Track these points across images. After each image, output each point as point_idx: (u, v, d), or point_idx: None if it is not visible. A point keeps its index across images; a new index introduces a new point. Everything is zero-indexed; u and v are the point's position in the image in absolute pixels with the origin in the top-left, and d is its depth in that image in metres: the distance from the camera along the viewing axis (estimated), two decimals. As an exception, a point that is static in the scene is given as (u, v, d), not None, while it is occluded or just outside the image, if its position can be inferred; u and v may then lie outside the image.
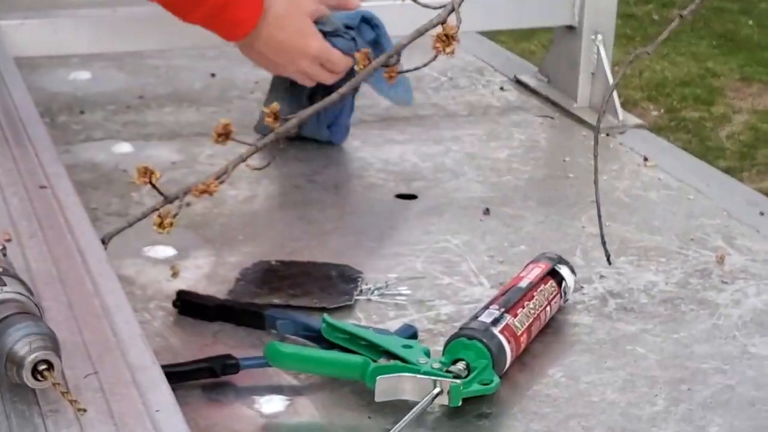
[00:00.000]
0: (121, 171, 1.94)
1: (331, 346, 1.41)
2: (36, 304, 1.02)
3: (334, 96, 1.46)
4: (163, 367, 1.35)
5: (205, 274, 1.62)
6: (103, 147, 2.04)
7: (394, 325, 1.48)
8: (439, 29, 1.34)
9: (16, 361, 0.96)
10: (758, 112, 6.04)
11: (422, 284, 1.60)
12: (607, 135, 2.09)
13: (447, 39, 1.31)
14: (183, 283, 1.59)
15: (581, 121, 2.13)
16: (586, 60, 2.16)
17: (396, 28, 1.79)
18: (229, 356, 1.38)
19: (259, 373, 1.37)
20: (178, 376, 1.37)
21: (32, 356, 0.95)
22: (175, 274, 1.61)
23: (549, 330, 1.48)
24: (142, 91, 2.27)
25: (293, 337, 1.45)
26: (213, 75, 2.34)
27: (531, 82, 2.30)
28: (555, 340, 1.47)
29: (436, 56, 1.35)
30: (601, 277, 1.62)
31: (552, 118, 2.19)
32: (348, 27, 1.85)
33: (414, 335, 1.45)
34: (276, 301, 1.54)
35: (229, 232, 1.73)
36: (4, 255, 1.08)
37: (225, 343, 1.45)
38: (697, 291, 1.59)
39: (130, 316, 1.11)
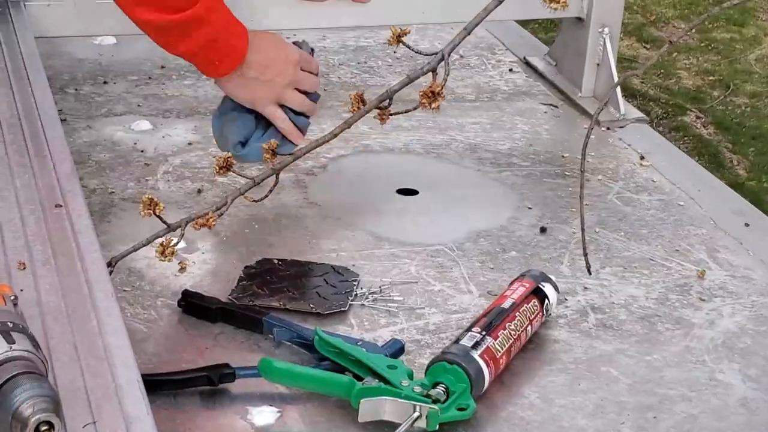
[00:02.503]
0: (139, 152, 2.03)
1: (323, 356, 1.52)
2: (42, 360, 1.12)
3: (327, 136, 1.54)
4: (165, 374, 1.49)
5: (211, 269, 1.72)
6: (123, 122, 2.13)
7: (384, 333, 1.58)
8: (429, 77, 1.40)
9: (21, 420, 1.06)
10: (790, 36, 6.02)
11: (414, 290, 1.69)
12: (608, 129, 2.16)
13: (433, 95, 1.37)
14: (189, 279, 1.69)
15: (584, 112, 2.20)
16: (592, 51, 2.22)
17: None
18: (226, 365, 1.49)
19: (254, 383, 1.48)
20: (178, 383, 1.48)
21: (35, 417, 1.06)
22: (182, 269, 1.71)
23: (530, 345, 1.57)
24: (164, 60, 2.35)
25: (288, 344, 1.56)
26: (232, 44, 2.40)
27: (540, 65, 2.35)
28: (534, 357, 1.56)
29: (417, 107, 1.41)
30: (585, 288, 1.71)
31: (556, 107, 2.25)
32: None
33: (401, 350, 1.54)
34: (275, 303, 1.64)
35: (235, 224, 1.82)
36: (15, 305, 1.18)
37: (224, 347, 1.55)
38: (674, 308, 1.68)
39: (130, 359, 1.20)
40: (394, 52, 2.47)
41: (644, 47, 5.98)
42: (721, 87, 5.65)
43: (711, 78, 5.72)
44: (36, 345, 1.14)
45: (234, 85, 1.79)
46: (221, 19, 1.73)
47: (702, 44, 6.10)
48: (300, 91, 1.82)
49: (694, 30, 6.10)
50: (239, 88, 1.79)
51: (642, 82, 5.56)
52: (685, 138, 5.18)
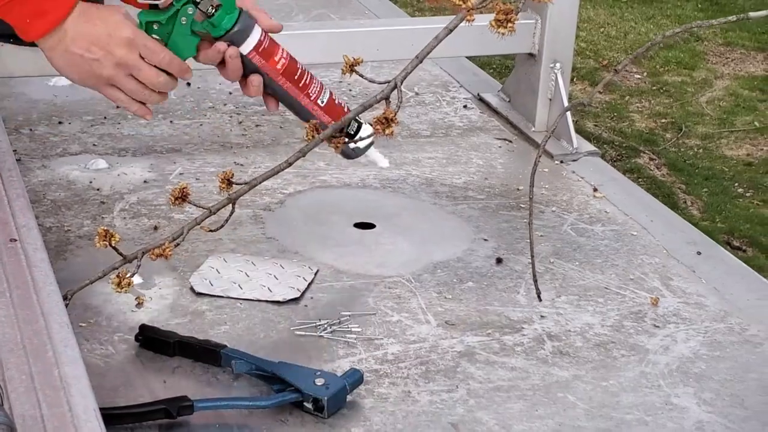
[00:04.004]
0: (95, 190, 2.03)
1: (284, 387, 1.52)
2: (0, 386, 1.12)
3: (282, 164, 1.55)
4: (122, 407, 1.49)
5: (169, 304, 1.72)
6: (79, 161, 2.13)
7: (343, 363, 1.59)
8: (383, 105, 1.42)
9: (-23, 447, 1.06)
10: (739, 77, 6.10)
11: (372, 321, 1.70)
12: (561, 162, 2.19)
13: (387, 121, 1.39)
14: (147, 314, 1.69)
15: (537, 146, 2.22)
16: (545, 86, 2.25)
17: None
18: (184, 398, 1.49)
19: (213, 415, 1.48)
20: (136, 416, 1.48)
21: (-9, 445, 1.05)
22: (139, 304, 1.71)
23: (487, 372, 1.58)
24: (119, 100, 2.35)
25: (247, 375, 1.56)
26: (188, 84, 2.42)
27: (493, 101, 2.38)
28: (492, 384, 1.57)
29: (371, 135, 1.42)
30: (542, 317, 1.72)
31: (510, 141, 2.28)
32: None
33: (360, 379, 1.54)
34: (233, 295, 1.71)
35: (193, 259, 1.83)
36: (-28, 334, 1.18)
37: (183, 380, 1.55)
38: (629, 335, 1.70)
39: (86, 388, 1.20)
40: (350, 90, 2.49)
41: (598, 91, 6.06)
42: (673, 129, 5.70)
43: (663, 120, 5.78)
44: (-8, 373, 1.14)
45: (60, 60, 1.61)
46: None
47: (654, 87, 6.17)
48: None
49: (636, 58, 6.16)
50: (67, 66, 1.62)
51: (595, 125, 5.61)
52: (639, 180, 5.22)
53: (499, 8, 1.25)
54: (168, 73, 1.62)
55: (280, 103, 1.69)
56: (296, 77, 1.67)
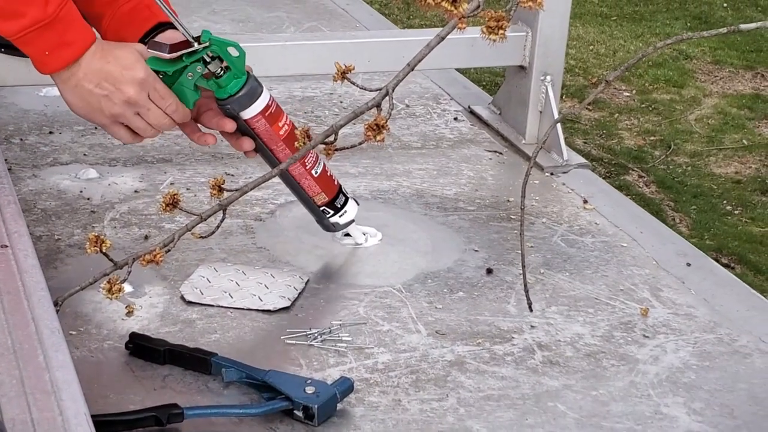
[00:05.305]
0: (85, 199, 2.03)
1: (275, 395, 1.52)
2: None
3: (274, 171, 1.56)
4: (112, 414, 1.48)
5: (159, 313, 1.71)
6: (70, 171, 2.13)
7: (333, 372, 1.59)
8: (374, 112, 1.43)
9: (-33, 450, 1.06)
10: (728, 96, 6.12)
11: (363, 330, 1.70)
12: (551, 174, 2.20)
13: (378, 128, 1.40)
14: (137, 323, 1.69)
15: (528, 158, 2.23)
16: (535, 99, 2.26)
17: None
18: (174, 405, 1.48)
19: (203, 423, 1.47)
20: (125, 423, 1.48)
21: (-18, 447, 1.05)
22: (129, 313, 1.71)
23: (480, 384, 1.58)
24: (110, 111, 2.35)
25: (237, 383, 1.56)
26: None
27: (484, 113, 2.39)
28: (482, 393, 1.57)
29: (363, 142, 1.43)
30: (532, 327, 1.73)
31: (500, 153, 2.29)
32: None
33: (350, 387, 1.54)
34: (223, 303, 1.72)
35: (184, 269, 1.83)
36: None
37: (173, 388, 1.55)
38: (619, 345, 1.70)
39: (77, 393, 1.20)
40: (341, 102, 2.50)
41: (587, 108, 6.07)
42: (662, 147, 5.72)
43: (652, 138, 5.79)
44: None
45: (70, 94, 1.65)
46: (66, 9, 1.58)
47: (643, 105, 6.19)
48: None
49: (628, 69, 6.18)
50: (77, 100, 1.66)
51: (585, 143, 5.63)
52: (628, 197, 5.23)
53: (491, 15, 1.25)
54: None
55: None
56: (296, 145, 1.67)
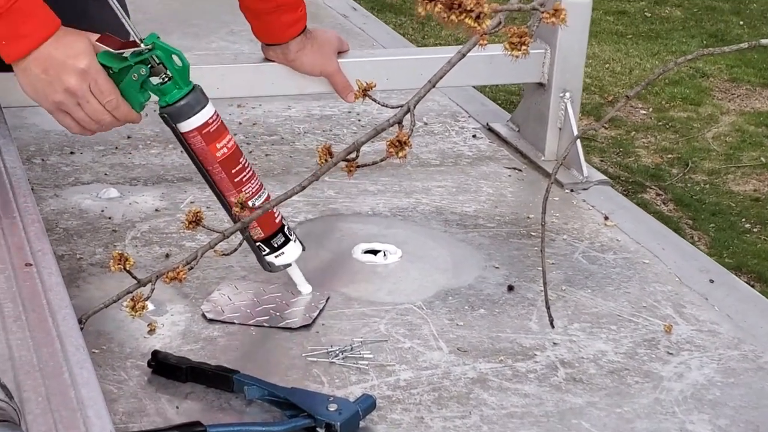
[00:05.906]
0: (106, 218, 2.04)
1: (297, 413, 1.52)
2: (15, 409, 1.11)
3: (296, 188, 1.54)
4: (136, 433, 1.48)
5: (181, 331, 1.71)
6: (91, 191, 2.14)
7: (355, 390, 1.59)
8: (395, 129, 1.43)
9: (-7, 467, 1.06)
10: (745, 113, 6.11)
11: (384, 348, 1.69)
12: (571, 191, 2.19)
13: (400, 144, 1.40)
14: (159, 341, 1.69)
15: (547, 175, 2.23)
16: (554, 115, 2.26)
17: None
18: (197, 423, 1.48)
19: (226, 440, 1.48)
20: (149, 442, 1.48)
21: (9, 464, 1.05)
22: (151, 331, 1.71)
23: (503, 402, 1.58)
24: (130, 130, 2.36)
25: (259, 401, 1.55)
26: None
27: (502, 130, 2.39)
28: (505, 411, 1.57)
29: (384, 158, 1.43)
30: (554, 344, 1.72)
31: (520, 170, 2.29)
32: None
33: (372, 405, 1.54)
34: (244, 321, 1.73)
35: (205, 287, 1.83)
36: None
37: (195, 406, 1.55)
38: (643, 362, 1.69)
39: (102, 410, 1.20)
40: (359, 120, 2.50)
41: (603, 126, 6.07)
42: (679, 164, 5.71)
43: (669, 156, 5.79)
44: (9, 395, 1.14)
45: (21, 77, 1.65)
46: (23, 1, 1.59)
47: (660, 123, 6.18)
48: None
49: (649, 86, 6.17)
50: (26, 84, 1.65)
51: (601, 161, 5.63)
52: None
53: (513, 32, 1.25)
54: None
55: None
56: (234, 170, 1.66)
